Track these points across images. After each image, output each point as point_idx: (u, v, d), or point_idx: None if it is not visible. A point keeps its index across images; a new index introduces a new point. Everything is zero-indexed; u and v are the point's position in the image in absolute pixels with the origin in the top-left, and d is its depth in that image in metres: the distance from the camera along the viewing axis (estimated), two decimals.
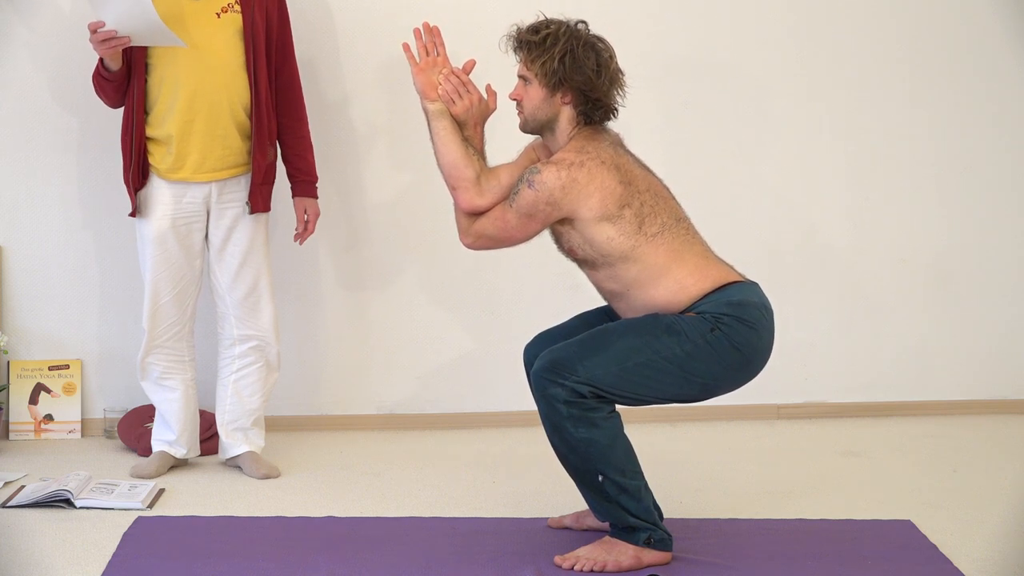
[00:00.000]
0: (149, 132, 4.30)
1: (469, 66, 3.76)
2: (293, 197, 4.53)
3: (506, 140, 3.85)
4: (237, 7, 4.28)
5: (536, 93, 3.60)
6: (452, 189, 3.69)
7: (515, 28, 3.64)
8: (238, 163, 4.35)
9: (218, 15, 4.26)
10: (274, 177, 4.46)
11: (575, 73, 3.55)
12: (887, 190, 5.21)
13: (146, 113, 4.29)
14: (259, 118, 4.31)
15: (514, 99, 3.66)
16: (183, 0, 4.20)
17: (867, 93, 5.15)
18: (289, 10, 4.46)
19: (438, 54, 3.75)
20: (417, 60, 3.75)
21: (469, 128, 3.72)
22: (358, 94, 4.98)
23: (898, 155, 5.20)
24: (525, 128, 3.67)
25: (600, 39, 3.61)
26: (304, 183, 4.51)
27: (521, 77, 3.63)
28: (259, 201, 4.38)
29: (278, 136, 4.46)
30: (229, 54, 4.27)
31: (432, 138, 3.71)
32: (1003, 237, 5.26)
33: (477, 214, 3.67)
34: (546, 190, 3.52)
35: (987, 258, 5.25)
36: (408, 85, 3.79)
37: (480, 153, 3.72)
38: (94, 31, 4.07)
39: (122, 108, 4.35)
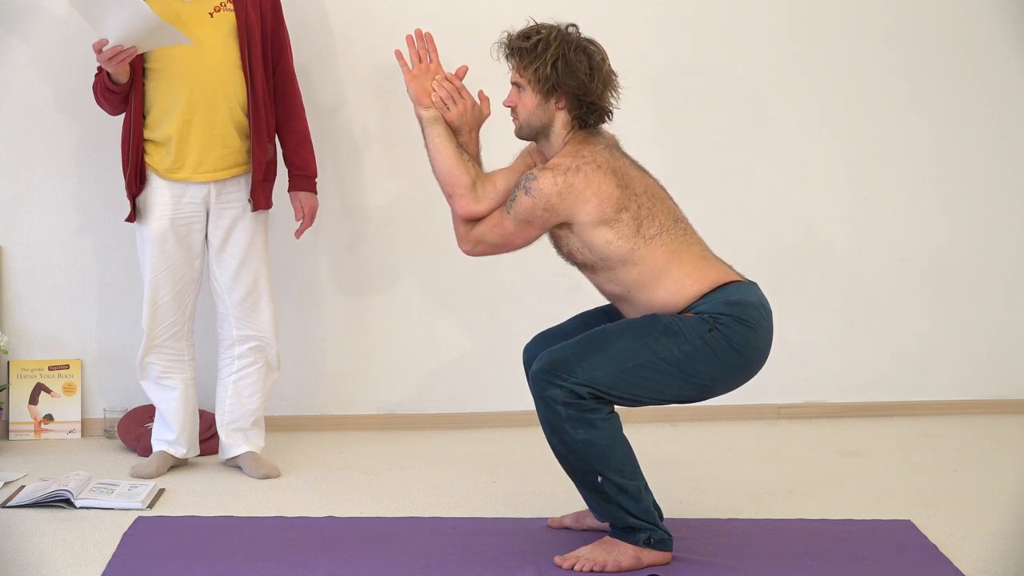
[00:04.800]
0: (147, 135, 4.30)
1: (462, 72, 3.75)
2: (289, 191, 4.52)
3: (502, 146, 3.85)
4: (230, 6, 4.28)
5: (530, 99, 3.60)
6: (448, 196, 3.68)
7: (506, 35, 3.63)
8: (237, 163, 4.35)
9: (211, 15, 4.25)
10: (275, 174, 4.46)
11: (568, 78, 3.54)
12: (886, 190, 5.21)
13: (144, 116, 4.29)
14: (257, 115, 4.31)
15: (508, 106, 3.65)
16: (175, 1, 4.20)
17: (866, 94, 5.15)
18: (283, 11, 4.46)
19: (431, 60, 3.75)
20: (410, 67, 3.75)
21: (464, 134, 3.72)
22: (356, 96, 4.98)
23: (897, 155, 5.20)
24: (520, 134, 3.67)
25: (591, 42, 3.60)
26: (300, 177, 4.50)
27: (514, 84, 3.63)
28: (261, 198, 4.38)
29: (276, 132, 4.46)
30: (224, 53, 4.27)
31: (427, 145, 3.70)
32: (1002, 237, 5.26)
33: (475, 220, 3.67)
34: (543, 196, 3.51)
35: (987, 258, 5.26)
36: (404, 88, 3.79)
37: (475, 159, 3.71)
38: (99, 50, 4.07)
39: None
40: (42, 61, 4.84)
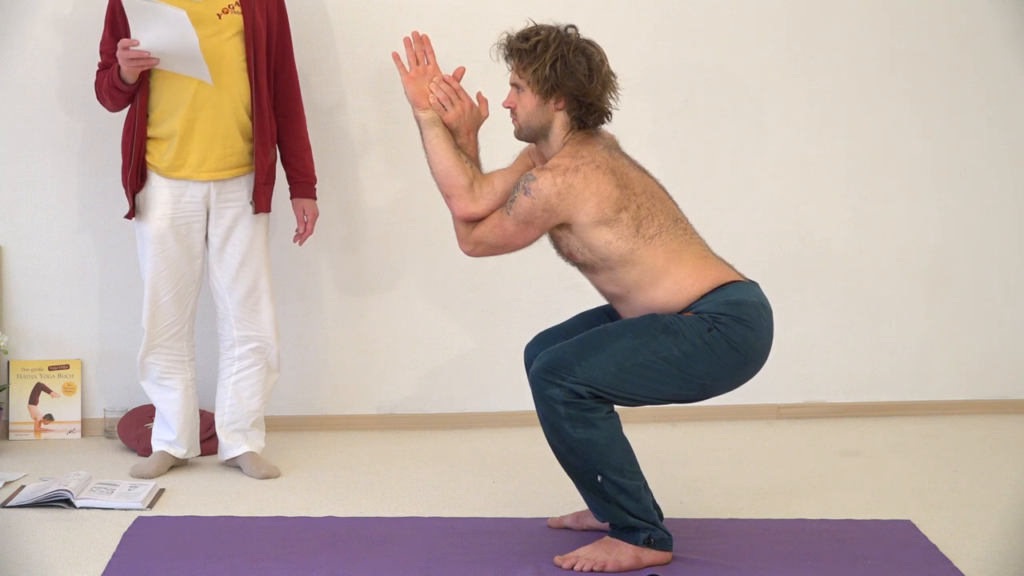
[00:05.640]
0: (150, 132, 4.30)
1: (459, 73, 3.75)
2: (291, 198, 4.53)
3: (503, 147, 3.85)
4: (238, 8, 4.29)
5: (529, 100, 3.60)
6: (446, 197, 3.68)
7: (505, 36, 3.63)
8: (239, 163, 4.36)
9: (219, 16, 4.26)
10: (275, 177, 4.46)
11: (567, 79, 3.55)
12: (886, 190, 5.21)
13: (147, 114, 4.29)
14: (260, 118, 4.32)
15: (507, 107, 3.65)
16: (184, 1, 4.20)
17: (866, 94, 5.15)
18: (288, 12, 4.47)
19: (428, 62, 3.75)
20: (407, 69, 3.75)
21: (462, 135, 3.71)
22: (355, 97, 4.98)
23: (897, 155, 5.20)
24: (520, 136, 3.67)
25: (590, 43, 3.60)
26: (303, 184, 4.52)
27: (513, 85, 3.63)
28: (262, 201, 4.38)
29: (277, 137, 4.46)
30: (230, 55, 4.27)
31: (425, 147, 3.70)
32: (1002, 237, 5.26)
33: (473, 221, 3.67)
34: (542, 197, 3.51)
35: (986, 258, 5.26)
36: (402, 89, 3.79)
37: (474, 160, 3.71)
38: (126, 48, 4.08)
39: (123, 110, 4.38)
40: (43, 61, 4.83)
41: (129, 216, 4.37)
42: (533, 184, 3.52)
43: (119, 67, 4.18)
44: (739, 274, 3.66)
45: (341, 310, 5.07)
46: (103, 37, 4.32)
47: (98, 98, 4.34)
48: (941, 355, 5.28)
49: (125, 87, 4.22)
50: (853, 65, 5.14)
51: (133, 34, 4.10)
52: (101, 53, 4.33)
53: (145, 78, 4.25)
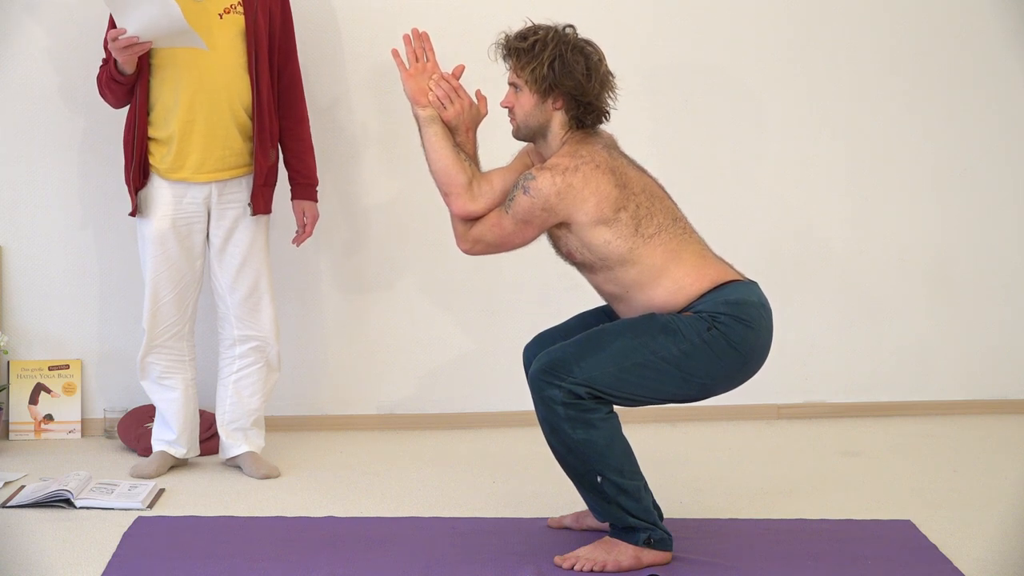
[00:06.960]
0: (151, 132, 4.31)
1: (459, 71, 3.75)
2: (292, 200, 4.53)
3: (503, 146, 3.85)
4: (240, 8, 4.29)
5: (527, 100, 3.60)
6: (445, 195, 3.68)
7: (503, 35, 3.63)
8: (239, 164, 4.36)
9: (220, 16, 4.26)
10: (276, 179, 4.46)
11: (565, 78, 3.55)
12: (886, 190, 5.21)
13: (147, 112, 4.30)
14: (260, 119, 4.32)
15: (505, 106, 3.65)
16: (186, 1, 4.20)
17: (866, 94, 5.15)
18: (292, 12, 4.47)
19: (427, 60, 3.75)
20: (407, 66, 3.75)
21: (461, 133, 3.71)
22: (356, 96, 4.98)
23: (897, 155, 5.20)
24: (518, 135, 3.67)
25: (588, 42, 3.60)
26: (304, 186, 4.51)
27: (511, 84, 3.63)
28: (261, 203, 4.38)
29: (279, 138, 4.46)
30: (231, 55, 4.27)
31: (424, 144, 3.70)
32: (1002, 237, 5.26)
33: (472, 220, 3.67)
34: (541, 196, 3.51)
35: (986, 258, 5.26)
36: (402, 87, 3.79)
37: (472, 158, 3.71)
38: (115, 38, 4.08)
39: (124, 108, 4.37)
40: (43, 60, 4.83)
41: (132, 214, 4.37)
42: (532, 183, 3.52)
43: (115, 59, 4.18)
44: (738, 273, 3.65)
45: (341, 310, 5.07)
46: (106, 33, 4.32)
47: (100, 93, 4.35)
48: (941, 355, 5.28)
49: (123, 78, 4.22)
50: (853, 65, 5.14)
51: (118, 24, 4.10)
52: (104, 49, 4.33)
53: (145, 74, 4.25)
